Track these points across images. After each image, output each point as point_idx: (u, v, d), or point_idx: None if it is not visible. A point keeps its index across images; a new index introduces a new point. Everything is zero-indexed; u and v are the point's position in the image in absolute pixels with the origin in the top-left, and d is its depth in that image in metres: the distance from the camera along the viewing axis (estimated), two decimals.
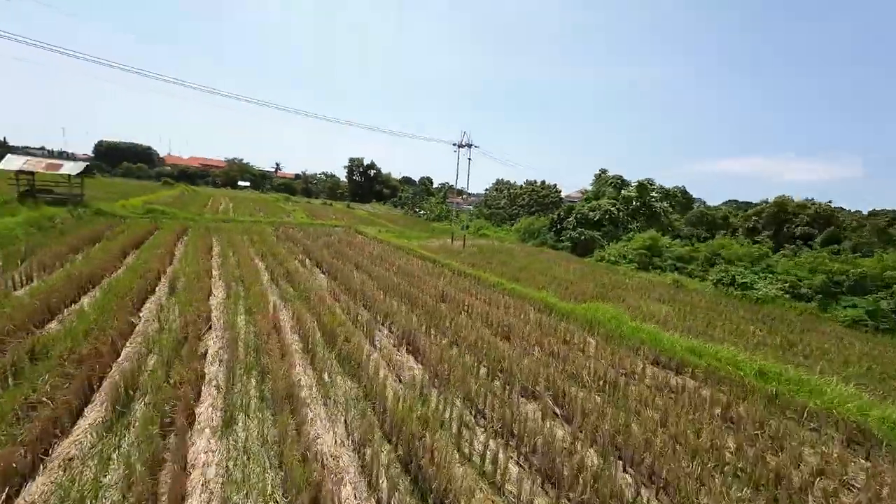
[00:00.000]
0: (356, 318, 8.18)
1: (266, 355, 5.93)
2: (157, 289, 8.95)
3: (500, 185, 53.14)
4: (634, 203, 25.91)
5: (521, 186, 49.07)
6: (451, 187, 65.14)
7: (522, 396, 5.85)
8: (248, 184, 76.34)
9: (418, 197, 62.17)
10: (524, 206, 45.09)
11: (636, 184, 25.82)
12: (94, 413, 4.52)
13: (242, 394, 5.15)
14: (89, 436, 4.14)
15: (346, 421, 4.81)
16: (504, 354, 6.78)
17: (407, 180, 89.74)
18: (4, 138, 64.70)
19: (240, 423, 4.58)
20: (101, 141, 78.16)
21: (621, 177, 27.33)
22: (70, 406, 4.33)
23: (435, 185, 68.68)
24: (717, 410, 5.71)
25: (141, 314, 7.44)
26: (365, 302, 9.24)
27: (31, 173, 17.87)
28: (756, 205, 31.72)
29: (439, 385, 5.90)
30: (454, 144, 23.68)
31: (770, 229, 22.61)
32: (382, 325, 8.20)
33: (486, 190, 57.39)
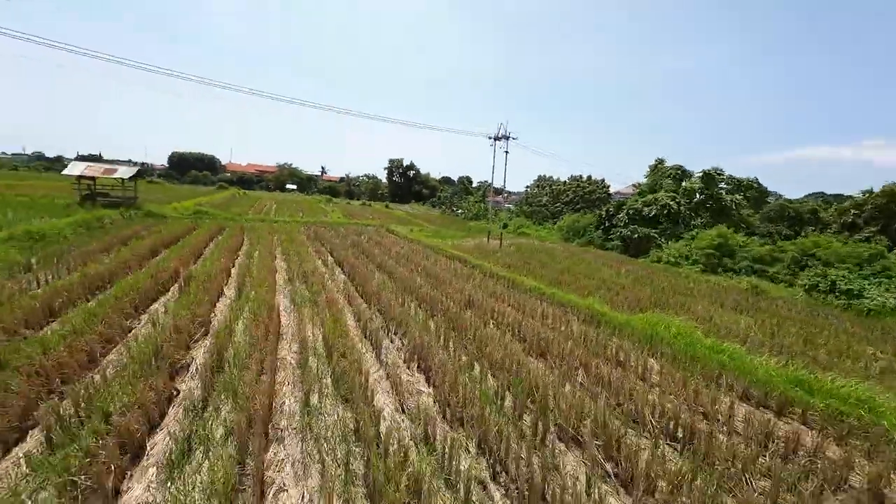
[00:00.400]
0: (366, 326, 7.16)
1: (248, 371, 5.03)
2: (170, 289, 8.59)
3: (541, 182, 50.53)
4: (698, 196, 22.70)
5: (565, 182, 46.18)
6: (489, 186, 63.48)
7: (560, 441, 4.42)
8: (294, 187, 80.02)
9: (457, 196, 61.11)
10: (568, 203, 42.30)
11: (700, 174, 22.57)
12: (33, 444, 3.82)
13: (210, 419, 4.26)
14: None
15: (324, 469, 3.72)
16: (538, 379, 5.36)
17: (446, 180, 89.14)
18: (100, 152, 73.44)
19: (193, 462, 3.66)
20: (174, 152, 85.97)
21: (682, 167, 24.08)
22: None
23: (474, 185, 67.20)
24: (862, 481, 3.89)
25: (142, 317, 6.98)
26: (380, 307, 8.20)
27: (92, 178, 19.23)
28: (848, 197, 26.61)
29: (450, 418, 4.64)
30: (490, 137, 22.25)
31: (876, 224, 18.53)
32: (395, 334, 7.10)
33: (527, 187, 54.94)
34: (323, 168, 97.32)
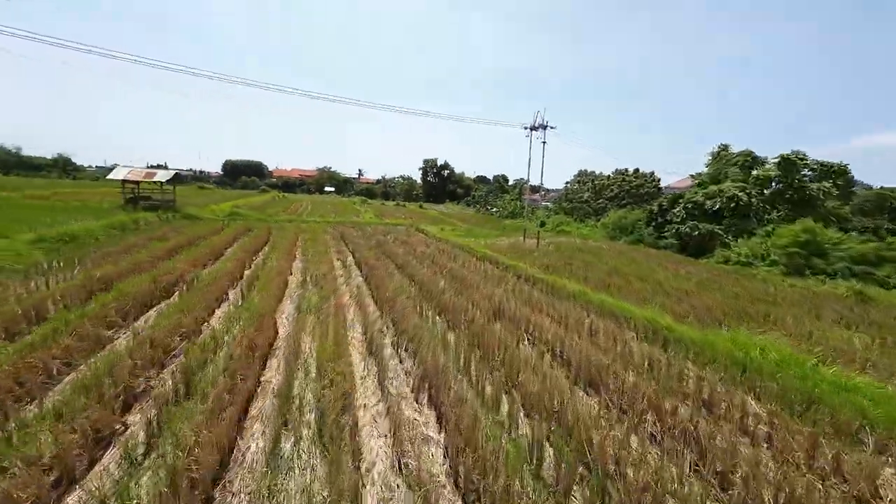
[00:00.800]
0: (374, 340, 5.98)
1: (217, 401, 4.00)
2: (174, 294, 7.96)
3: (582, 177, 47.44)
4: (774, 185, 19.38)
5: (609, 177, 42.87)
6: (525, 183, 60.99)
7: None
8: (332, 189, 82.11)
9: (492, 195, 59.26)
10: (612, 199, 39.12)
11: (776, 160, 19.17)
12: None
13: (144, 474, 3.23)
14: None
15: None
16: (590, 426, 3.86)
17: (481, 179, 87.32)
18: (165, 162, 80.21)
19: None
20: (227, 160, 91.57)
21: (751, 153, 20.70)
22: None
23: (510, 183, 64.88)
24: None
25: (133, 326, 6.28)
26: (394, 316, 7.00)
27: (136, 182, 20.01)
28: None
29: (465, 487, 3.28)
30: (526, 127, 20.52)
31: None
32: (406, 351, 5.85)
33: (567, 183, 51.93)
34: (360, 171, 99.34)
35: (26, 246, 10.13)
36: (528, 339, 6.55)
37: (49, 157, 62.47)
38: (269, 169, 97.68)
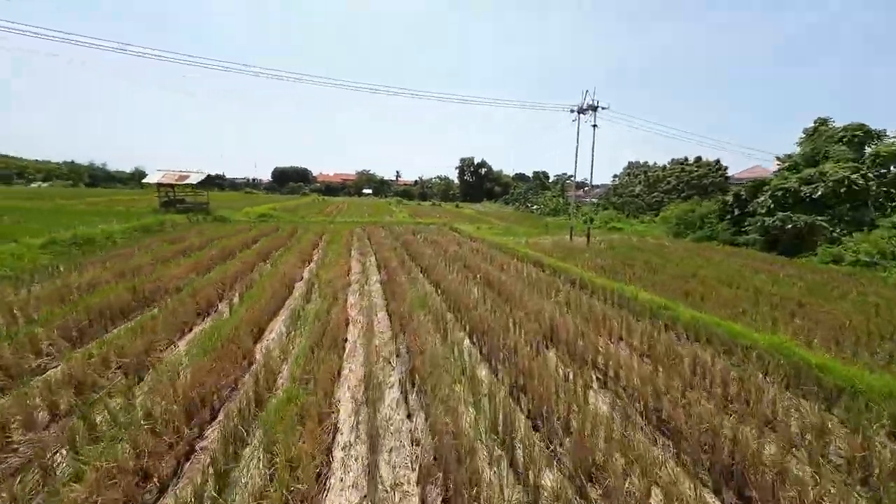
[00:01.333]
0: (372, 377, 4.21)
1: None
2: (154, 303, 6.74)
3: (633, 169, 43.11)
4: None
5: (665, 167, 38.40)
6: (568, 179, 57.13)
7: None
8: (370, 191, 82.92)
9: (531, 192, 56.21)
10: (669, 192, 34.81)
11: None
12: None
13: None
14: None
15: None
16: None
17: (520, 177, 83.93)
18: (223, 172, 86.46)
19: None
20: (276, 167, 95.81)
21: (864, 126, 16.47)
22: None
23: (550, 179, 61.23)
24: None
25: (79, 348, 5.02)
26: (409, 339, 5.20)
27: (171, 186, 20.14)
28: None
29: None
30: (572, 110, 17.96)
31: None
32: (416, 397, 4.01)
33: (615, 177, 47.69)
34: (397, 172, 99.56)
35: (36, 250, 9.61)
36: (600, 381, 4.45)
37: (128, 170, 73.12)
38: (314, 174, 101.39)
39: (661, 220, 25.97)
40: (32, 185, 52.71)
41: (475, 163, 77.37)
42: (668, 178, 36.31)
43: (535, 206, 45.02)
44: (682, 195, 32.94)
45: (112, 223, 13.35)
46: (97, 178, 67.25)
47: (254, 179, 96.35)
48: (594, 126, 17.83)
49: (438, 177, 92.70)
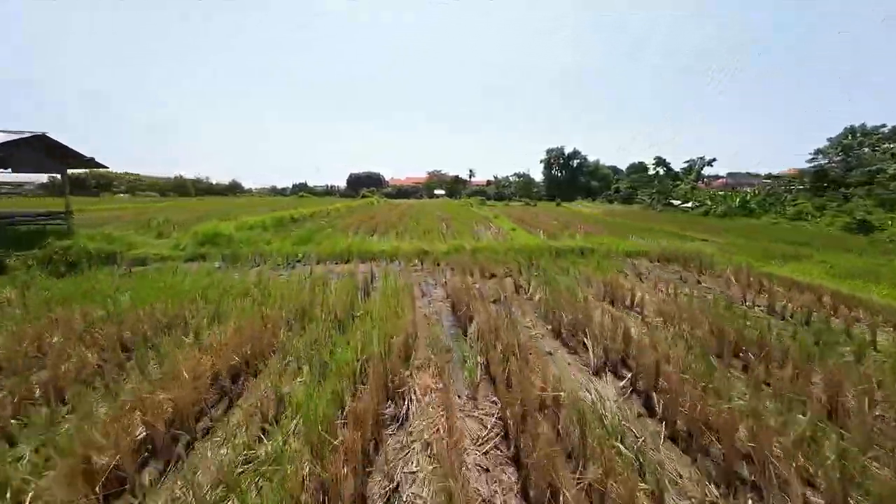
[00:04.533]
0: None
1: None
2: None
3: (867, 138, 27.66)
4: None
5: None
6: (709, 163, 41.96)
7: None
8: (442, 192, 75.70)
9: (655, 183, 42.77)
10: None
11: None
12: None
13: None
14: None
15: None
16: None
17: (614, 170, 69.21)
18: (306, 181, 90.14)
19: None
20: (351, 174, 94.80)
21: None
22: None
23: (682, 167, 45.83)
24: None
25: None
26: None
27: None
28: None
29: None
30: None
31: None
32: None
33: (818, 153, 32.27)
34: (471, 171, 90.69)
35: None
36: None
37: (226, 182, 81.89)
38: (387, 179, 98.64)
39: None
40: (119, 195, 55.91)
41: (566, 153, 65.00)
42: None
43: (689, 203, 31.09)
44: None
45: None
46: (200, 189, 73.72)
47: (331, 186, 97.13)
48: None
49: (516, 174, 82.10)
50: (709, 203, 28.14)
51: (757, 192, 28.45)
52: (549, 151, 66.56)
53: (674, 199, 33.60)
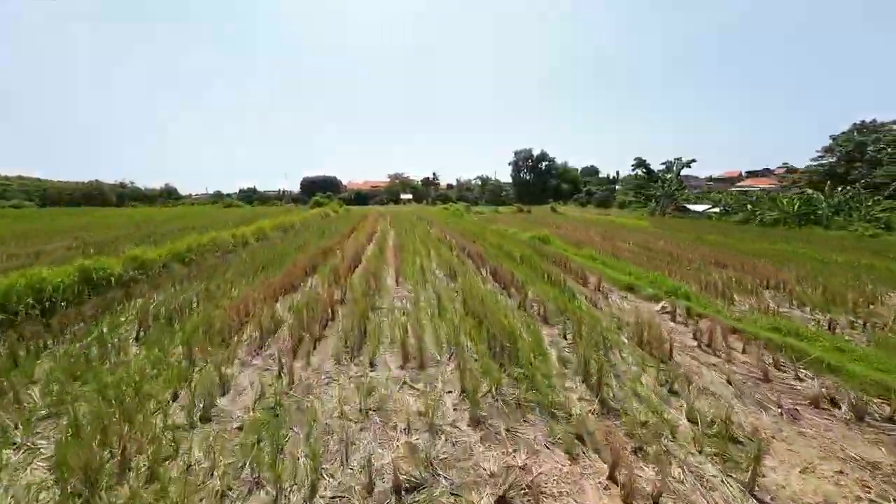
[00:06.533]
0: None
1: None
2: None
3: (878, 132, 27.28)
4: None
5: None
6: (688, 164, 42.42)
7: None
8: (410, 196, 71.26)
9: (637, 186, 42.18)
10: None
11: None
12: None
13: None
14: None
15: None
16: None
17: (589, 171, 69.78)
18: (255, 185, 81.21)
19: None
20: (304, 178, 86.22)
21: None
22: None
23: (658, 168, 43.65)
24: None
25: None
26: None
27: None
28: None
29: None
30: None
31: None
32: None
33: (825, 151, 32.39)
34: (435, 174, 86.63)
35: None
36: None
37: (158, 188, 71.56)
38: (344, 184, 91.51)
39: None
40: None
41: (534, 155, 63.67)
42: None
43: (714, 208, 28.44)
44: None
45: None
46: (123, 196, 61.50)
47: (283, 191, 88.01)
48: None
49: (479, 177, 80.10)
50: (749, 208, 23.20)
51: (813, 194, 22.90)
52: (517, 153, 65.06)
53: (687, 202, 31.36)
